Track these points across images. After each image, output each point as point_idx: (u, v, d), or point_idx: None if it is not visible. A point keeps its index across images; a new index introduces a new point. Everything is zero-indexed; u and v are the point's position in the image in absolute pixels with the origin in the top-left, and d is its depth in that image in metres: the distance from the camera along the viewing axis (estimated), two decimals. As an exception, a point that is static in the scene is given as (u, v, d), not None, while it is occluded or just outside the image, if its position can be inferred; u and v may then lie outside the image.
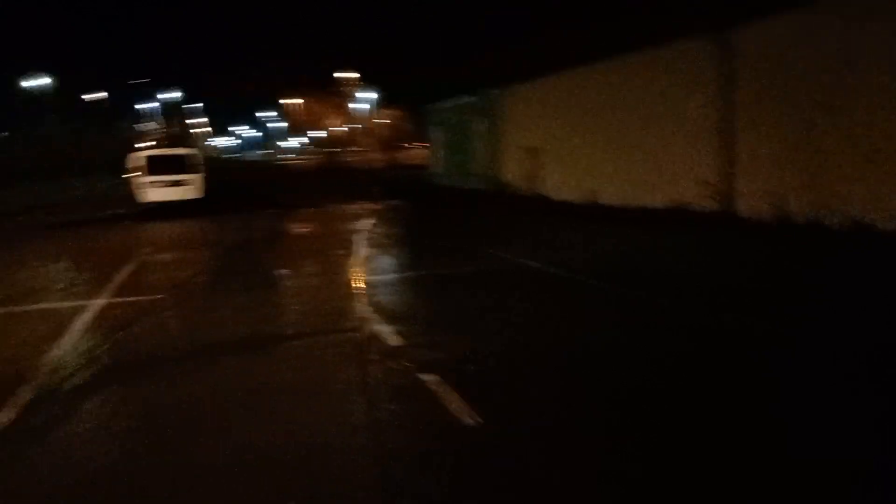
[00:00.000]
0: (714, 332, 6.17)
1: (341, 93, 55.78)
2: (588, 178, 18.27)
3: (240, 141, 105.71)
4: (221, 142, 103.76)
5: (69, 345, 6.31)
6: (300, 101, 59.48)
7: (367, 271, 9.92)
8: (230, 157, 52.43)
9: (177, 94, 55.45)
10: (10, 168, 24.86)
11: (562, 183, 19.87)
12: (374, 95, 57.13)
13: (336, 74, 52.71)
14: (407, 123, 52.60)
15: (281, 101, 64.69)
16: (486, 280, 9.08)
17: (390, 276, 9.75)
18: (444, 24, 35.57)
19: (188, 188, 19.76)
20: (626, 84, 16.81)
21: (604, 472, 3.57)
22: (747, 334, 6.05)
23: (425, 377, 5.03)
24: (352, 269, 9.99)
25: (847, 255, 9.68)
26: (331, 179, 34.52)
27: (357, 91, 56.05)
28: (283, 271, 10.43)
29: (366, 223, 16.54)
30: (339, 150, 49.51)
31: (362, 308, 7.38)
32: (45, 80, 50.21)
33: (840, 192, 11.28)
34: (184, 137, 39.70)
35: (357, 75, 52.75)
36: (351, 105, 56.64)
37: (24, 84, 49.63)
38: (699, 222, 13.47)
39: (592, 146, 18.27)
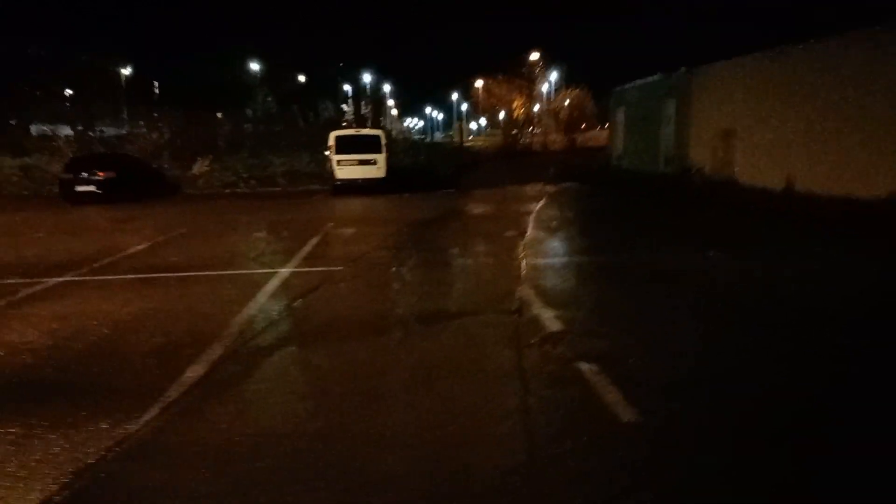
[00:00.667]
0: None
1: (524, 74, 55.61)
2: (786, 163, 16.66)
3: (421, 123, 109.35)
4: (408, 123, 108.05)
5: (256, 309, 6.88)
6: (483, 81, 60.07)
7: (535, 254, 9.80)
8: (417, 139, 54.36)
9: (367, 77, 58.40)
10: (220, 145, 27.68)
11: (755, 168, 18.33)
12: (556, 76, 56.37)
13: (520, 56, 52.66)
14: (589, 104, 51.39)
15: (464, 83, 65.94)
16: (660, 274, 8.59)
17: (558, 261, 9.56)
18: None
19: (372, 167, 20.73)
20: (834, 65, 15.06)
21: (762, 486, 3.22)
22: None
23: (583, 366, 4.86)
24: (521, 252, 9.93)
25: None
26: (509, 161, 34.68)
27: (540, 72, 55.60)
28: (454, 250, 10.63)
29: (540, 205, 16.40)
30: (518, 131, 49.47)
31: (526, 291, 7.31)
32: (255, 66, 55.64)
33: None
34: (372, 118, 41.80)
35: (538, 55, 52.23)
36: (533, 86, 56.35)
37: (240, 69, 55.41)
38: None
39: (793, 128, 16.61)
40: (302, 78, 54.55)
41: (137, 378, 5.01)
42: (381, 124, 41.90)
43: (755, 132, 18.54)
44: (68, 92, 40.21)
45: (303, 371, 5.26)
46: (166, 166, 24.98)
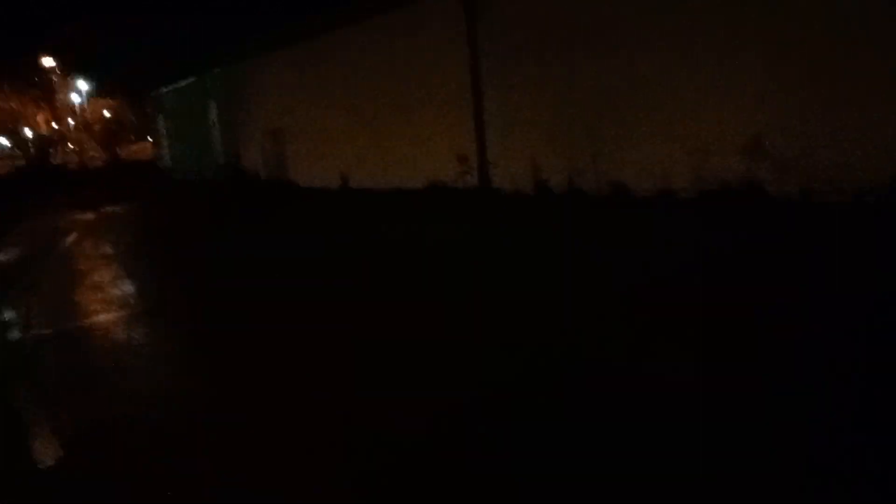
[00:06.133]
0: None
1: (43, 84, 47.57)
2: (338, 162, 16.53)
3: None
4: None
5: None
6: (-10, 95, 49.86)
7: (41, 322, 7.23)
8: None
9: None
10: None
11: (309, 168, 17.94)
12: (85, 86, 49.64)
13: (37, 61, 44.41)
14: (129, 115, 46.43)
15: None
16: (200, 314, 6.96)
17: (67, 328, 7.15)
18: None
19: None
20: (372, 54, 15.18)
21: None
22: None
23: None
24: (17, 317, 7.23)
25: (597, 223, 9.06)
26: (38, 185, 28.86)
27: (61, 80, 48.22)
28: None
29: (70, 240, 13.26)
30: (46, 150, 42.14)
31: None
32: None
33: (598, 156, 10.78)
34: None
35: (54, 63, 44.90)
36: (55, 97, 48.67)
37: None
38: (455, 200, 12.43)
39: (342, 125, 16.48)
40: None
41: None
42: None
43: (305, 131, 18.11)
44: None
45: None
46: None
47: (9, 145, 53.18)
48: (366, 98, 15.52)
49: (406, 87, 14.28)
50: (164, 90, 26.68)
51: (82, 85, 48.97)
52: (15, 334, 6.76)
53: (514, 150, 12.11)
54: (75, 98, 49.40)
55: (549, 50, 11.26)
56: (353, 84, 15.91)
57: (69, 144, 48.05)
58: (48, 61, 44.04)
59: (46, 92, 46.66)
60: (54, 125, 49.20)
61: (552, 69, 11.24)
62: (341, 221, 12.47)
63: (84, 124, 47.09)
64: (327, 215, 13.53)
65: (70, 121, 50.07)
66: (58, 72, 45.82)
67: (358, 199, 14.89)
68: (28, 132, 50.70)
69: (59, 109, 48.66)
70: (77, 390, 5.00)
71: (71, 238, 13.83)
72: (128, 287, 8.64)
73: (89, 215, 18.11)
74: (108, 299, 8.02)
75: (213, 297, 7.59)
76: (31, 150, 43.29)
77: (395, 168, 14.73)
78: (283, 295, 7.23)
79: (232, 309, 6.97)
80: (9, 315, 7.57)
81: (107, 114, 48.08)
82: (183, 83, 24.43)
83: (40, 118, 48.25)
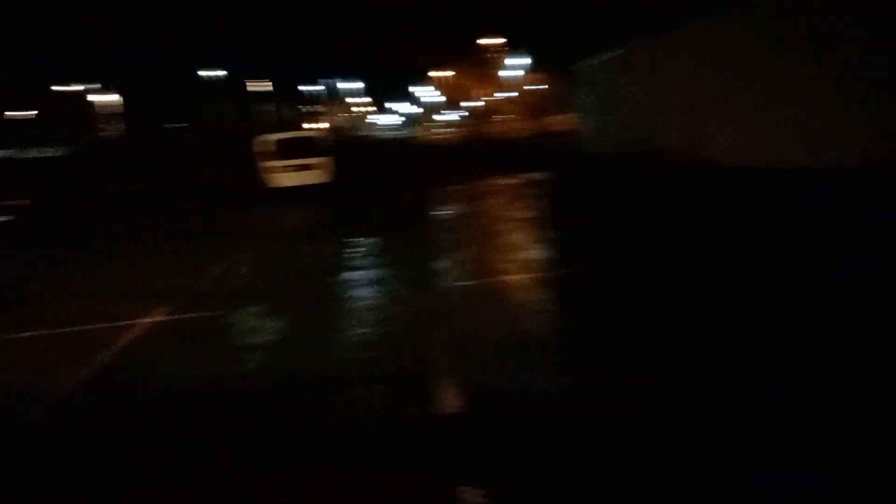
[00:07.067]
0: None
1: (488, 60, 53.51)
2: (766, 137, 14.95)
3: (403, 118, 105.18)
4: (383, 120, 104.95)
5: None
6: (446, 72, 58.04)
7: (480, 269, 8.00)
8: (371, 136, 52.12)
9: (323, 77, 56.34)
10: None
11: (731, 144, 16.63)
12: (524, 61, 54.30)
13: (480, 41, 50.29)
14: (556, 88, 49.35)
15: (430, 74, 63.47)
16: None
17: (510, 279, 7.75)
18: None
19: (315, 172, 18.92)
20: (812, 20, 13.30)
21: None
22: None
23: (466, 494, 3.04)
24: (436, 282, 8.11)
25: None
26: (472, 153, 32.80)
27: (505, 57, 53.47)
28: (350, 275, 8.69)
29: (496, 203, 14.61)
30: (483, 121, 47.52)
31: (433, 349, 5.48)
32: (219, 72, 55.05)
33: None
34: (312, 118, 39.96)
35: (502, 40, 50.01)
36: (500, 73, 54.20)
37: (202, 74, 55.48)
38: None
39: (772, 99, 14.85)
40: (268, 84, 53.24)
41: None
42: (328, 122, 39.86)
43: (728, 106, 16.83)
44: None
45: None
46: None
47: (457, 118, 61.67)
48: (799, 73, 13.65)
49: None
50: (586, 63, 27.48)
51: (514, 60, 53.79)
52: (446, 282, 7.61)
53: None
54: (507, 73, 54.55)
55: None
56: (781, 55, 14.13)
57: (500, 116, 53.38)
58: (494, 40, 49.46)
59: (485, 67, 52.57)
60: (489, 98, 55.23)
61: None
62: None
63: (516, 98, 51.86)
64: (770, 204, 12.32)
65: (501, 94, 55.57)
66: (501, 49, 51.19)
67: (794, 181, 13.18)
68: (472, 104, 57.97)
69: (494, 83, 54.41)
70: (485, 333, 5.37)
71: (497, 200, 15.21)
72: (543, 251, 9.13)
73: (511, 180, 19.74)
74: (522, 260, 8.58)
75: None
76: (472, 120, 49.32)
77: (823, 144, 12.69)
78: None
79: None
80: (442, 265, 8.57)
81: (534, 87, 52.09)
82: (605, 57, 24.84)
83: (479, 92, 54.61)
